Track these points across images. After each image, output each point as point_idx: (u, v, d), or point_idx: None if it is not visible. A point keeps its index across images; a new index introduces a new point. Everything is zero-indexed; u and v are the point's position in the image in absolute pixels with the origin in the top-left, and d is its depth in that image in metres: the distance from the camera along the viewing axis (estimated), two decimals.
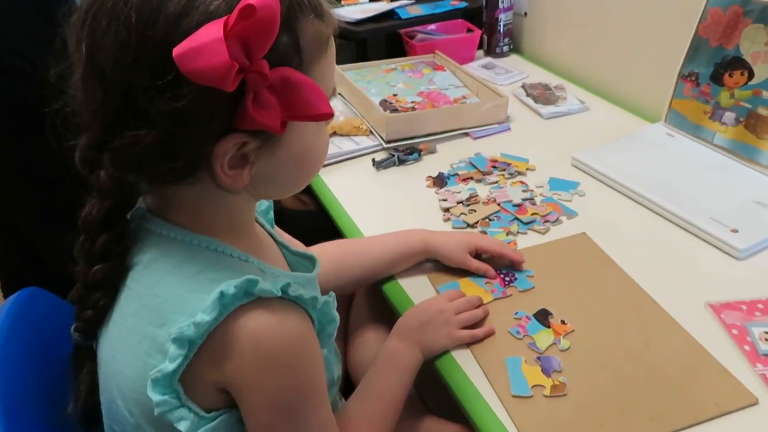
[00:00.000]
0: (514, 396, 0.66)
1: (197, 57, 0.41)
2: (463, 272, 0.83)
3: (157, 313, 0.50)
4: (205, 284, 0.49)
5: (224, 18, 0.42)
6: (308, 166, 0.56)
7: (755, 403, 0.64)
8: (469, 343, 0.73)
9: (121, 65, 0.44)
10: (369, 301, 0.92)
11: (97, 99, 0.47)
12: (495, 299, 0.79)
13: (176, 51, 0.42)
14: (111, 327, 0.54)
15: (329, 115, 0.48)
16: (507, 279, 0.82)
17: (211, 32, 0.42)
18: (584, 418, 0.64)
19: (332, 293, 0.58)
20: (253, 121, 0.45)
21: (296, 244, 0.71)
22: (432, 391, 0.80)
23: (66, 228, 0.53)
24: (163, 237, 0.53)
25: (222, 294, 0.47)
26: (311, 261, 0.67)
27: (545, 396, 0.66)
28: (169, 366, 0.47)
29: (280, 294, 0.49)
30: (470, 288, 0.81)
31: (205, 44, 0.41)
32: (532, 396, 0.66)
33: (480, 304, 0.77)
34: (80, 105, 0.49)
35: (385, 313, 0.89)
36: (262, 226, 0.66)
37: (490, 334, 0.74)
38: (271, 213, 0.70)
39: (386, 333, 0.88)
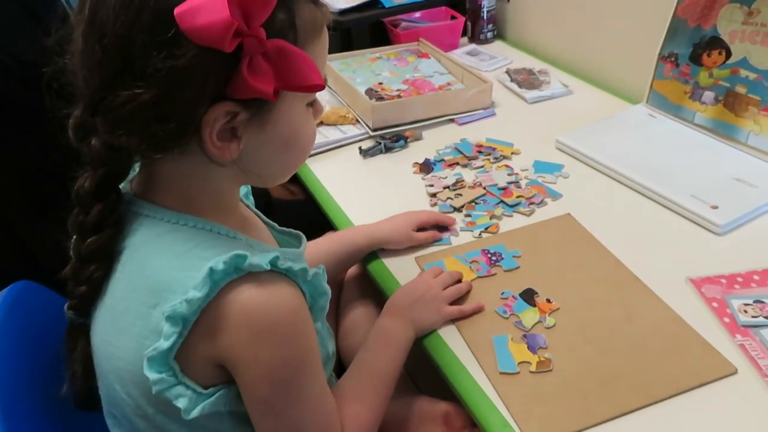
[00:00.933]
0: (501, 373, 0.68)
1: (198, 14, 0.43)
2: (449, 252, 0.85)
3: (149, 293, 0.51)
4: (195, 262, 0.50)
5: None
6: (294, 151, 0.57)
7: (734, 372, 0.66)
8: (456, 320, 0.75)
9: (122, 21, 0.46)
10: (359, 285, 0.94)
11: (95, 58, 0.48)
12: (479, 277, 0.81)
13: (177, 9, 0.44)
14: (104, 311, 0.55)
15: (321, 86, 0.50)
16: (493, 258, 0.84)
17: None
18: (569, 392, 0.66)
19: (322, 266, 0.59)
20: (246, 87, 0.47)
21: None
22: (423, 371, 0.82)
23: (55, 221, 0.54)
24: (151, 219, 0.54)
25: (212, 270, 0.48)
26: (297, 238, 0.69)
27: (531, 372, 0.68)
28: (164, 344, 0.48)
29: (269, 267, 0.50)
30: (456, 266, 0.83)
31: (206, 2, 0.44)
32: (518, 372, 0.68)
33: (460, 279, 0.80)
34: (77, 68, 0.50)
35: (376, 297, 0.90)
36: (247, 207, 0.67)
37: (478, 310, 0.76)
38: (251, 197, 0.71)
39: (377, 317, 0.90)
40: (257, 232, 0.63)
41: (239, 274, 0.49)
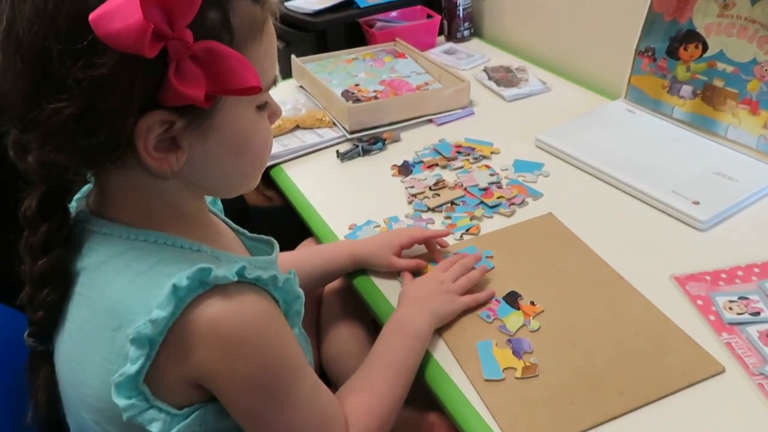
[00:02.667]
0: (486, 380, 0.66)
1: (112, 19, 0.41)
2: (425, 257, 0.83)
3: (111, 315, 0.49)
4: (158, 279, 0.47)
5: None
6: (247, 158, 0.54)
7: (722, 371, 0.65)
8: (440, 327, 0.73)
9: (36, 30, 0.43)
10: (340, 296, 0.91)
11: (15, 71, 0.45)
12: None
13: (92, 15, 0.41)
14: (66, 337, 0.52)
15: (257, 89, 0.46)
16: None
17: None
18: (556, 397, 0.64)
19: (293, 270, 0.57)
20: (175, 93, 0.44)
21: None
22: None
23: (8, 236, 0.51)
24: (108, 237, 0.51)
25: (175, 287, 0.46)
26: (270, 245, 0.66)
27: (517, 378, 0.66)
28: (131, 368, 0.46)
29: (236, 278, 0.48)
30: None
31: (120, 5, 0.41)
32: (504, 379, 0.66)
33: (476, 262, 0.79)
34: (1, 82, 0.47)
35: (357, 308, 0.89)
36: (216, 215, 0.65)
37: (490, 297, 0.76)
38: (219, 203, 0.69)
39: (359, 327, 0.88)
40: (225, 242, 0.60)
41: (205, 288, 0.47)
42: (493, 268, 0.81)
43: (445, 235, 0.85)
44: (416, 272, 0.82)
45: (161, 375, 0.48)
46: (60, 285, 0.52)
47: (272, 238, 0.67)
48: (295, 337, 0.57)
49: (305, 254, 0.85)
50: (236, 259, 0.55)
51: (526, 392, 0.65)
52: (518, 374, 0.67)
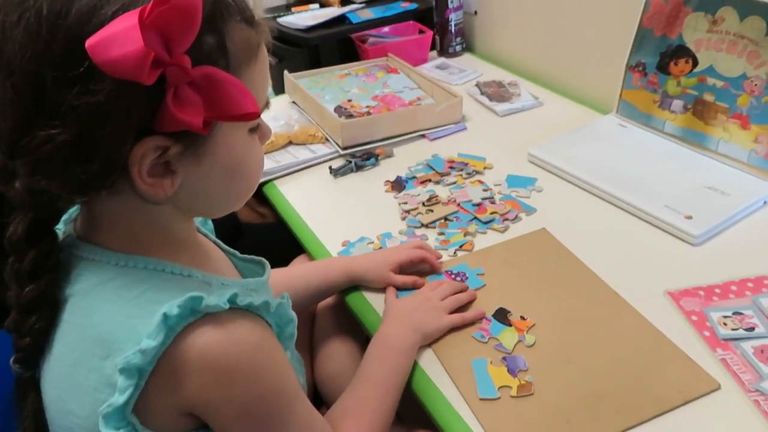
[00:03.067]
0: (481, 399, 0.66)
1: (110, 46, 0.40)
2: (417, 275, 0.83)
3: (100, 344, 0.48)
4: (147, 307, 0.46)
5: (141, 7, 0.41)
6: (239, 182, 0.53)
7: (717, 388, 0.65)
8: (434, 345, 0.72)
9: (30, 56, 0.42)
10: (333, 313, 0.91)
11: (6, 97, 0.44)
12: None
13: (89, 41, 0.40)
14: (53, 364, 0.51)
15: (255, 115, 0.46)
16: (458, 279, 0.82)
17: (126, 20, 0.40)
18: (552, 417, 0.64)
19: (285, 294, 0.56)
20: (173, 120, 0.43)
21: None
22: (402, 399, 0.79)
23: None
24: (96, 263, 0.50)
25: (166, 316, 0.45)
26: (261, 266, 0.65)
27: (512, 397, 0.66)
28: (120, 398, 0.45)
29: (227, 306, 0.47)
30: None
31: (118, 32, 0.40)
32: (499, 398, 0.66)
33: (465, 289, 0.79)
34: None
35: (351, 325, 0.88)
36: (205, 236, 0.64)
37: (480, 317, 0.75)
38: (210, 223, 0.68)
39: (352, 344, 0.87)
40: (215, 264, 0.60)
41: (196, 316, 0.46)
42: (484, 285, 0.81)
43: (439, 259, 0.85)
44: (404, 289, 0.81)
45: (151, 404, 0.47)
46: (48, 312, 0.51)
47: (263, 259, 0.66)
48: (289, 362, 0.56)
49: (299, 271, 0.85)
50: (227, 282, 0.54)
51: (521, 411, 0.64)
52: (513, 393, 0.66)
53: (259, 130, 0.54)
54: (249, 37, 0.49)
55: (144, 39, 0.40)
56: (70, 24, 0.42)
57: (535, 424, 0.63)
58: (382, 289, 0.82)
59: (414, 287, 0.81)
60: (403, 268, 0.83)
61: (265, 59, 0.52)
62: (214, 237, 0.66)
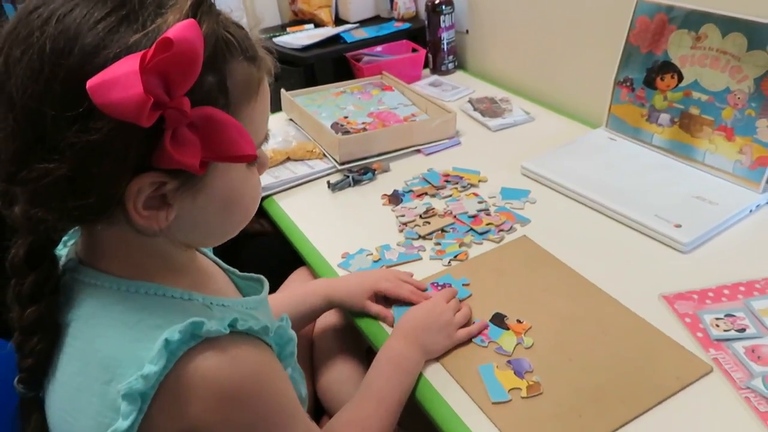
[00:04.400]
0: (493, 403, 0.67)
1: (111, 89, 0.40)
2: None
3: (102, 368, 0.48)
4: (149, 332, 0.47)
5: (143, 51, 0.41)
6: (235, 213, 0.53)
7: (710, 371, 0.68)
8: (442, 355, 0.74)
9: (31, 93, 0.43)
10: (333, 323, 0.92)
11: (7, 129, 0.45)
12: None
13: (90, 83, 0.40)
14: (57, 387, 0.51)
15: (252, 157, 0.46)
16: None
17: (128, 65, 0.40)
18: (564, 413, 0.66)
19: (285, 315, 0.57)
20: (170, 160, 0.43)
21: None
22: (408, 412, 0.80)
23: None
24: (98, 288, 0.50)
25: (167, 341, 0.45)
26: (260, 282, 0.66)
27: (523, 398, 0.68)
28: (123, 424, 0.45)
29: (228, 331, 0.48)
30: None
31: (119, 76, 0.40)
32: (511, 400, 0.68)
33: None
34: None
35: (351, 335, 0.89)
36: (204, 254, 0.64)
37: (483, 328, 0.77)
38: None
39: (353, 353, 0.88)
40: (216, 285, 0.60)
41: (197, 341, 0.47)
42: (470, 295, 0.83)
43: (423, 288, 0.84)
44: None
45: (154, 428, 0.47)
46: (49, 334, 0.51)
47: (262, 276, 0.66)
48: (290, 380, 0.57)
49: (282, 297, 0.85)
50: (228, 303, 0.55)
51: (534, 411, 0.66)
52: (524, 394, 0.68)
53: (258, 162, 0.54)
54: (250, 75, 0.48)
55: (144, 84, 0.40)
56: (72, 64, 0.42)
57: (550, 421, 0.65)
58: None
59: (384, 318, 0.80)
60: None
61: (266, 94, 0.51)
62: (212, 255, 0.66)
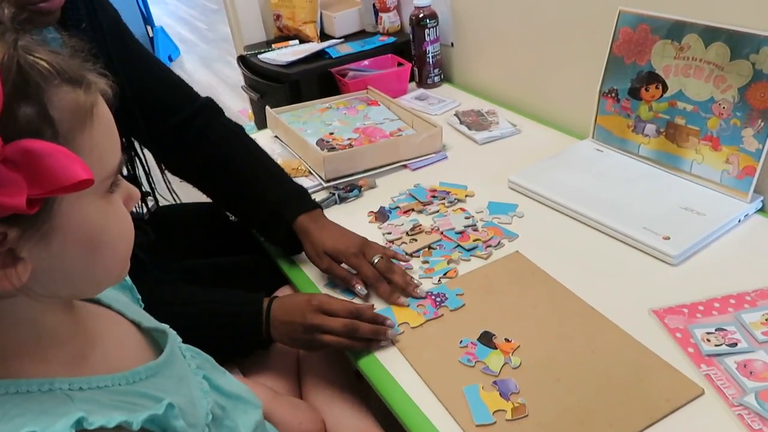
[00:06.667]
0: (477, 426, 0.66)
1: None
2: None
3: None
4: None
5: None
6: (103, 255, 0.47)
7: (701, 393, 0.66)
8: (423, 375, 0.72)
9: None
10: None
11: None
12: (427, 320, 0.81)
13: None
14: None
15: (87, 182, 0.40)
16: (438, 300, 0.84)
17: None
18: None
19: (167, 402, 0.48)
20: None
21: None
22: (391, 428, 0.79)
23: None
24: None
25: None
26: (164, 334, 0.58)
27: (507, 420, 0.66)
28: None
29: None
30: (403, 312, 0.83)
31: None
32: (495, 422, 0.66)
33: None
34: None
35: (338, 355, 0.88)
36: (107, 305, 0.57)
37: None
38: (128, 281, 0.63)
39: (340, 373, 0.87)
40: (101, 355, 0.51)
41: None
42: (464, 305, 0.83)
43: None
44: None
45: None
46: None
47: (166, 327, 0.59)
48: None
49: None
50: (106, 383, 0.48)
51: None
52: (508, 416, 0.67)
53: (121, 191, 0.49)
54: (77, 100, 0.44)
55: None
56: None
57: None
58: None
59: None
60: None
61: (105, 118, 0.46)
62: (117, 304, 0.59)
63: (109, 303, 0.57)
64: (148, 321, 0.59)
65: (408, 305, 0.84)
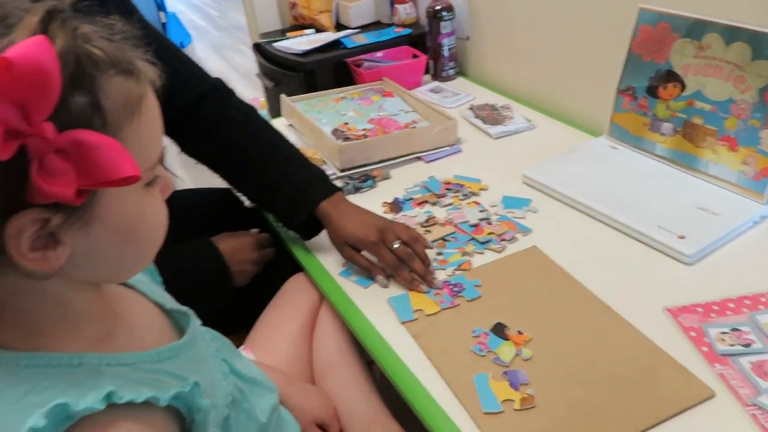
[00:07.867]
0: (485, 413, 0.67)
1: None
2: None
3: None
4: (29, 412, 0.41)
5: None
6: (139, 243, 0.48)
7: (712, 396, 0.66)
8: (435, 363, 0.73)
9: None
10: (333, 333, 0.91)
11: None
12: (444, 309, 0.82)
13: None
14: None
15: (135, 179, 0.41)
16: (455, 290, 0.84)
17: None
18: (555, 428, 0.65)
19: (193, 381, 0.50)
20: (41, 193, 0.39)
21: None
22: (402, 415, 0.79)
23: None
24: None
25: (32, 430, 0.40)
26: (187, 317, 0.59)
27: (515, 410, 0.67)
28: None
29: (103, 406, 0.42)
30: (420, 299, 0.84)
31: None
32: (503, 411, 0.67)
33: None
34: None
35: (351, 341, 0.88)
36: (131, 286, 0.58)
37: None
38: (156, 274, 0.63)
39: (353, 358, 0.87)
40: (129, 332, 0.53)
41: (72, 420, 0.41)
42: (480, 296, 0.83)
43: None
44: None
45: None
46: None
47: (188, 310, 0.60)
48: None
49: None
50: (133, 360, 0.49)
51: (525, 424, 0.65)
52: (517, 406, 0.67)
53: (159, 183, 0.49)
54: (129, 90, 0.44)
55: None
56: None
57: None
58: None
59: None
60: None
61: (152, 109, 0.47)
62: (141, 285, 0.60)
63: (133, 284, 0.58)
64: (171, 303, 0.60)
65: (426, 292, 0.84)
